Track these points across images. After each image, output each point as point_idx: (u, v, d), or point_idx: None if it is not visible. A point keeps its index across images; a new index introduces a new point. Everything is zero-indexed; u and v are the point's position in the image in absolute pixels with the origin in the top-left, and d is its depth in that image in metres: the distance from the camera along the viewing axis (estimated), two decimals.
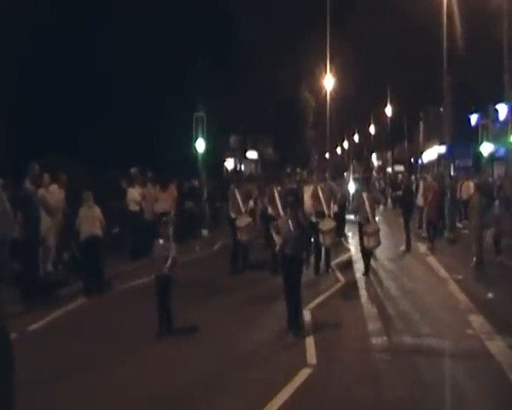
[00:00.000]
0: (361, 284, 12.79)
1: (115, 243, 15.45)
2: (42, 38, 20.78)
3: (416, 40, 36.38)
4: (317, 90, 50.80)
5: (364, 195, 13.79)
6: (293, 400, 6.31)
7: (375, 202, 14.22)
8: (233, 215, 14.23)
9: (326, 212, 13.73)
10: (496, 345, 8.05)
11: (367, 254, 13.77)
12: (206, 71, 26.86)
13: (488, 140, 33.33)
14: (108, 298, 11.46)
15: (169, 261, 8.83)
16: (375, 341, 8.51)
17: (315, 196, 14.03)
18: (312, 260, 13.67)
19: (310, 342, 8.28)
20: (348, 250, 17.45)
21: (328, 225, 13.68)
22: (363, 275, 13.46)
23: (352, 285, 12.62)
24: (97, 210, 12.65)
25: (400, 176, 36.57)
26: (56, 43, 21.40)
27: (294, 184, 21.54)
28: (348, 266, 15.03)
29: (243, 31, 34.06)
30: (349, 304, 11.02)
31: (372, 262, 14.32)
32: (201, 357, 7.79)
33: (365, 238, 13.51)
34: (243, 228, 13.86)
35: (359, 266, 14.20)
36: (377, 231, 13.60)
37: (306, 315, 9.61)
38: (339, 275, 13.67)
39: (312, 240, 13.07)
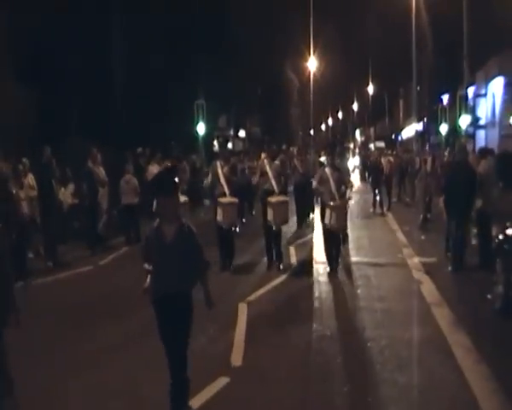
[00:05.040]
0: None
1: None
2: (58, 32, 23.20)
3: (396, 22, 40.47)
4: (302, 70, 54.40)
5: (328, 170, 11.47)
6: None
7: (341, 182, 11.57)
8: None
9: (276, 189, 12.03)
10: (412, 261, 12.46)
11: (332, 237, 11.43)
12: (204, 60, 30.79)
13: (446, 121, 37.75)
14: None
15: None
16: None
17: (262, 171, 12.46)
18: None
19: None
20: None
21: (277, 198, 11.93)
22: (329, 271, 11.51)
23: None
24: (135, 181, 16.52)
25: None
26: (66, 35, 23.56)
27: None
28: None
29: (233, 19, 37.93)
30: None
31: None
32: None
33: (327, 214, 11.19)
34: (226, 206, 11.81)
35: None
36: (343, 207, 11.46)
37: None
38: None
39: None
